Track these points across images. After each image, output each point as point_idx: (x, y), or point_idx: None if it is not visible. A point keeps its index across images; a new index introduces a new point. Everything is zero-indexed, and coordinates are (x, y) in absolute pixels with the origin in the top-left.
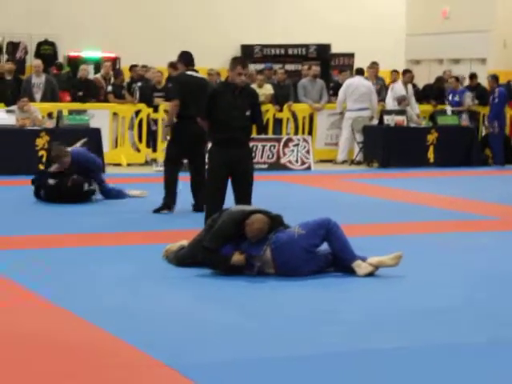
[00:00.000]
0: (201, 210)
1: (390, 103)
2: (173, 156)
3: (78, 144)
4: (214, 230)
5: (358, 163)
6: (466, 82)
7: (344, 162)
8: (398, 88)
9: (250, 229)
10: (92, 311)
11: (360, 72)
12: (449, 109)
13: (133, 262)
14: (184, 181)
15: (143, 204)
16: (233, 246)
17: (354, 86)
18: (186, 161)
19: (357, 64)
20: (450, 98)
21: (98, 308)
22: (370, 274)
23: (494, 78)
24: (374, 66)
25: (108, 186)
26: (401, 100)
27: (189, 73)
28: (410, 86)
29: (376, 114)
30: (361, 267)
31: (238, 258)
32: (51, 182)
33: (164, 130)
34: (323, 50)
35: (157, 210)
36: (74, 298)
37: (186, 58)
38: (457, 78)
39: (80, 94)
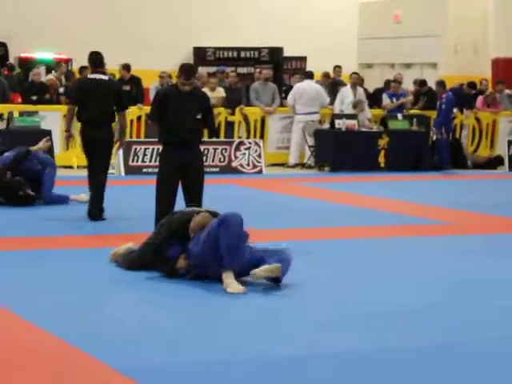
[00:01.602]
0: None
1: (338, 107)
2: (87, 160)
3: (41, 143)
4: (163, 223)
5: (310, 167)
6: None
7: (296, 165)
8: (345, 91)
9: (192, 222)
10: (37, 314)
11: (309, 76)
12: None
13: (78, 265)
14: (125, 185)
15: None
16: (180, 248)
17: (302, 90)
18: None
19: (309, 67)
20: (394, 101)
21: (43, 311)
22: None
23: (441, 85)
24: (336, 69)
25: (50, 196)
26: (356, 104)
27: (91, 76)
28: (360, 90)
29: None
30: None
31: (181, 263)
32: None
33: (65, 135)
34: (276, 54)
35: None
36: (20, 301)
37: (93, 60)
38: (397, 81)
39: (34, 98)
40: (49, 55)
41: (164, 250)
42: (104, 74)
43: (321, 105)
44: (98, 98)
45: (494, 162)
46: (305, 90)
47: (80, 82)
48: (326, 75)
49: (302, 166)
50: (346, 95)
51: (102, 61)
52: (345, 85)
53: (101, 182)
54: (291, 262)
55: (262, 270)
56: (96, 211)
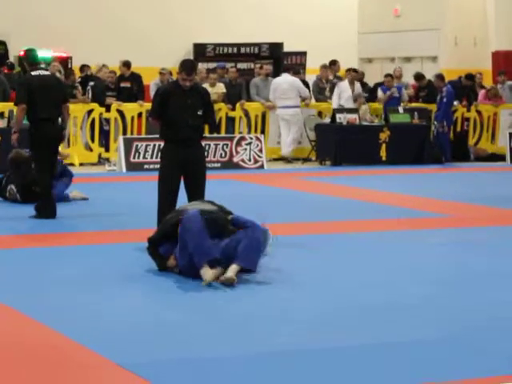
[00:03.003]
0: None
1: (336, 101)
2: (39, 160)
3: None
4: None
5: (310, 161)
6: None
7: (293, 159)
8: (343, 86)
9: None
10: (40, 311)
11: (286, 69)
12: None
13: (78, 262)
14: (126, 181)
15: (89, 204)
16: (170, 247)
17: (277, 84)
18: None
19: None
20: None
21: (46, 308)
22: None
23: (440, 78)
24: (337, 64)
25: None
26: (356, 97)
27: (34, 73)
28: (357, 85)
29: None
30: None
31: (171, 262)
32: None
33: (13, 137)
34: (276, 49)
35: (34, 217)
36: (25, 298)
37: (31, 56)
38: (390, 75)
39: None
40: (47, 53)
41: (157, 247)
42: (45, 69)
43: (300, 97)
44: (46, 94)
45: (495, 158)
46: (279, 83)
47: (26, 80)
48: (324, 67)
49: (303, 160)
50: (343, 90)
51: (37, 56)
52: (340, 79)
53: (50, 179)
54: (262, 243)
55: (221, 279)
56: (52, 209)
